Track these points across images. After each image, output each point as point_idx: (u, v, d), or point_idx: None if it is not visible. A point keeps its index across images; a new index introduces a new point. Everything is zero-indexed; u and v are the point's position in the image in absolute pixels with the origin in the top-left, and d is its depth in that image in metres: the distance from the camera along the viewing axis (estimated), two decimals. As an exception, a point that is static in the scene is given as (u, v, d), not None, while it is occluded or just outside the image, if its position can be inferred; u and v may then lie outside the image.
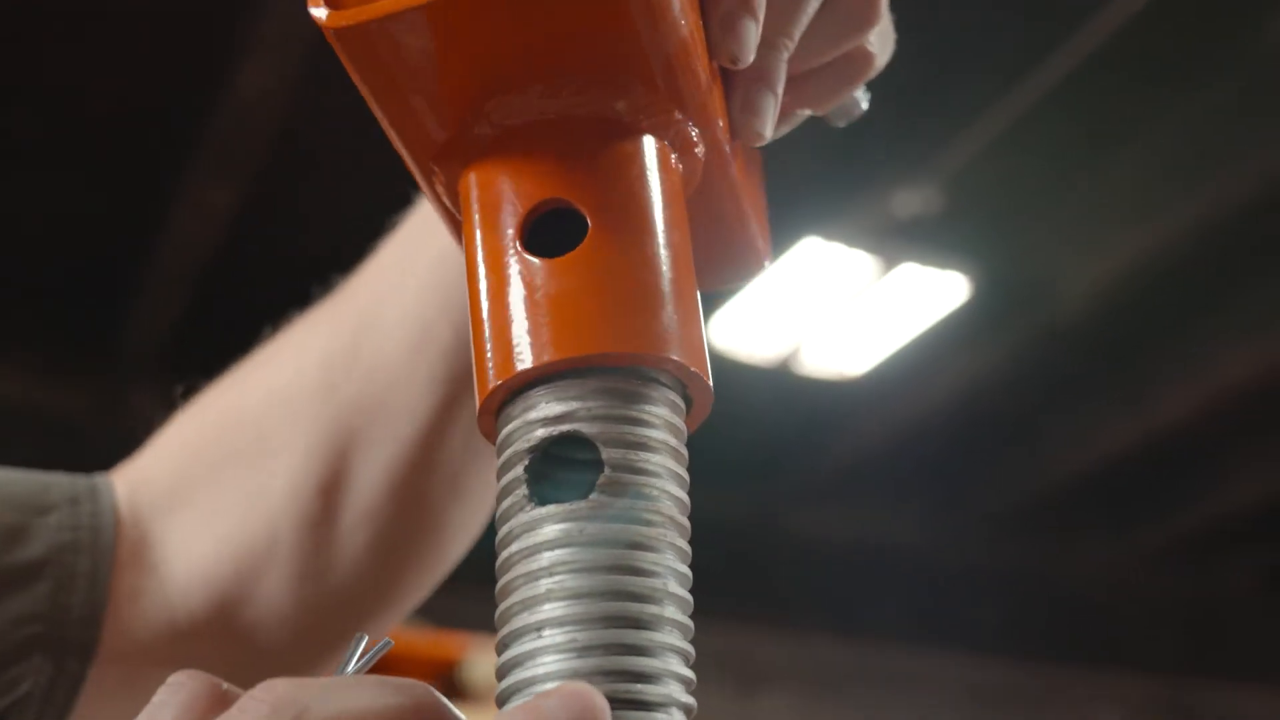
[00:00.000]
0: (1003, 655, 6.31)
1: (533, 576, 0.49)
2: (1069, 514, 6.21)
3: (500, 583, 0.51)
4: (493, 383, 0.51)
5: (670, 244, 0.53)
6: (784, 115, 0.63)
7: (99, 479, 0.85)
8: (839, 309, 4.88)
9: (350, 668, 0.52)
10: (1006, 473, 5.93)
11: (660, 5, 0.51)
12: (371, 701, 0.46)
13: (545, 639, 0.49)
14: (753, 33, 0.56)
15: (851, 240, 4.45)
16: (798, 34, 0.59)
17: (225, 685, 0.48)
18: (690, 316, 0.52)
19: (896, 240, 4.43)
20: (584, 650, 0.48)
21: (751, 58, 0.56)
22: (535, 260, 0.51)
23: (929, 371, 5.23)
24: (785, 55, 0.58)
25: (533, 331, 0.50)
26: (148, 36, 3.74)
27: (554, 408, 0.50)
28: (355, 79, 0.53)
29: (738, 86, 0.58)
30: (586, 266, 0.51)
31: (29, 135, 4.08)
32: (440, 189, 0.56)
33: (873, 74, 0.65)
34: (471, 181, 0.54)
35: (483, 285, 0.52)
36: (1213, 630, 6.65)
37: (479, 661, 5.10)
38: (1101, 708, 6.41)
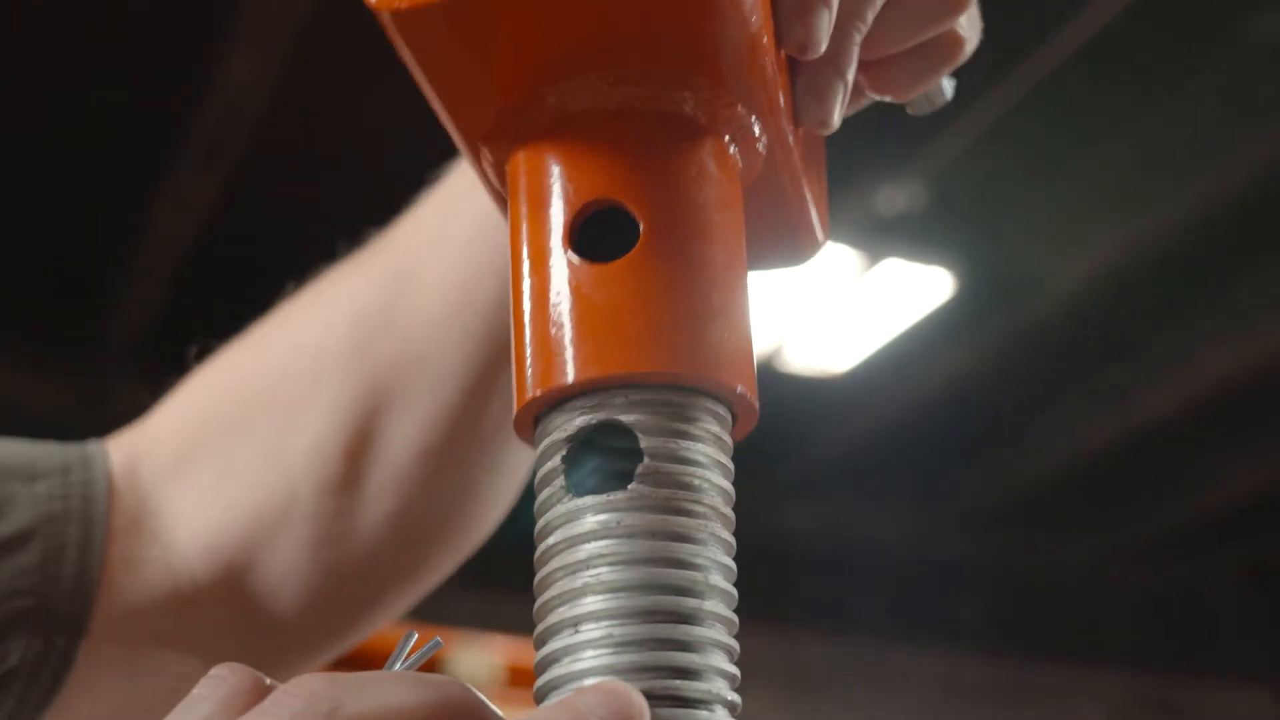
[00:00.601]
0: (984, 651, 6.31)
1: (571, 570, 0.48)
2: (1051, 510, 6.21)
3: (538, 576, 0.49)
4: (531, 392, 0.49)
5: (725, 254, 0.50)
6: (855, 99, 0.60)
7: (92, 446, 0.82)
8: (823, 305, 4.88)
9: (398, 666, 0.51)
10: (989, 469, 5.93)
11: None
12: (406, 698, 0.44)
13: (583, 634, 0.47)
14: (825, 22, 0.53)
15: (835, 236, 4.43)
16: (871, 16, 0.55)
17: (268, 680, 0.46)
18: (740, 332, 0.50)
19: (880, 236, 4.42)
20: (622, 645, 0.46)
21: (823, 49, 0.53)
22: (583, 264, 0.49)
23: (913, 367, 5.23)
24: (857, 39, 0.55)
25: (576, 342, 0.48)
26: (129, 29, 3.72)
27: (595, 416, 0.48)
28: (406, 60, 0.51)
29: (804, 71, 0.55)
30: (636, 276, 0.49)
31: (7, 128, 4.06)
32: (488, 167, 0.54)
33: (962, 60, 0.61)
34: (521, 165, 0.52)
35: (526, 284, 0.50)
36: (1194, 626, 6.67)
37: (461, 659, 5.10)
38: (1082, 704, 6.42)
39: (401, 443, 0.78)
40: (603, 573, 0.47)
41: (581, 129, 0.51)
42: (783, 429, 5.41)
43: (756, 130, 0.53)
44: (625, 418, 0.48)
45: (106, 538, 0.78)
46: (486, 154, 0.53)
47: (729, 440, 0.50)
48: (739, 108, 0.52)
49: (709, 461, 0.49)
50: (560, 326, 0.49)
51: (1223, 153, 4.19)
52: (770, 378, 5.23)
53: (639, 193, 0.50)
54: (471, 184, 0.73)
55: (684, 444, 0.49)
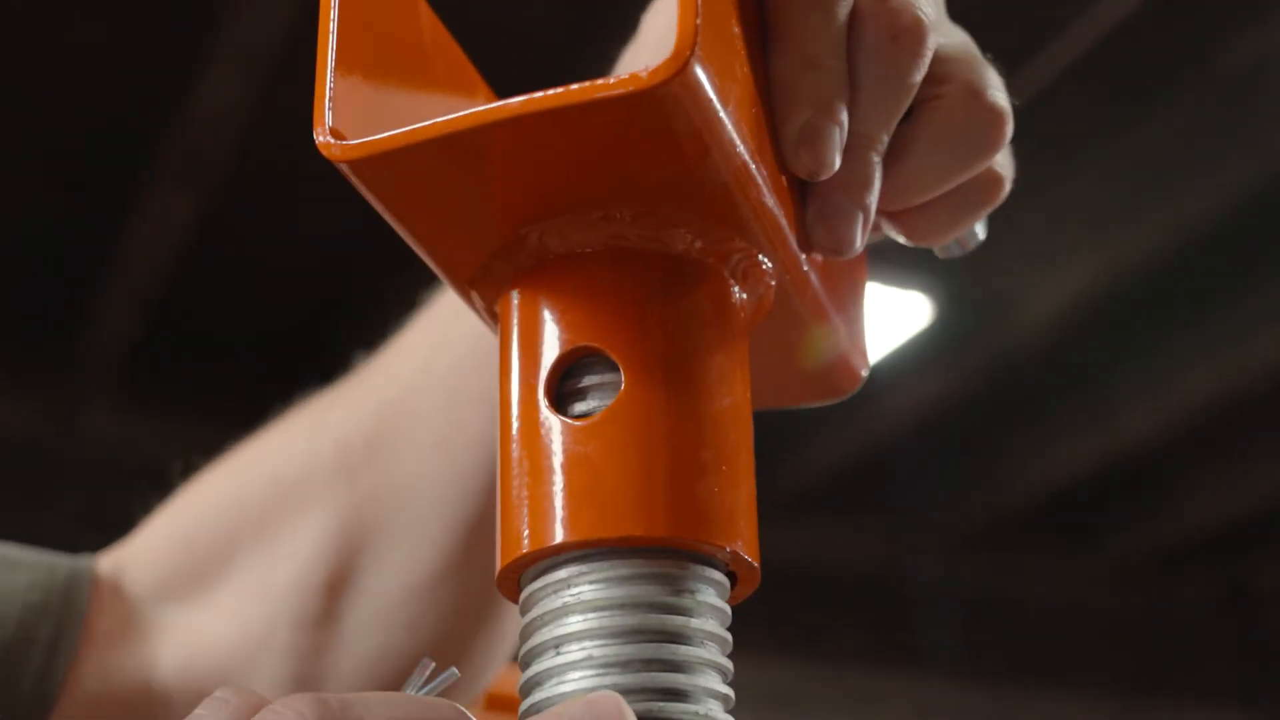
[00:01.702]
0: (959, 675, 6.31)
1: (553, 589, 0.46)
2: (1026, 533, 6.22)
3: (522, 596, 0.47)
4: (509, 554, 0.46)
5: (720, 402, 0.47)
6: (877, 231, 0.55)
7: (82, 556, 0.80)
8: (800, 329, 4.87)
9: (412, 691, 0.48)
10: (965, 492, 5.94)
11: (712, 130, 0.44)
12: (398, 717, 0.42)
13: (564, 656, 0.45)
14: (834, 144, 0.48)
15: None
16: (886, 135, 0.50)
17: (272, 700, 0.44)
18: (735, 489, 0.47)
19: (859, 260, 4.43)
20: (606, 667, 0.44)
21: (833, 171, 0.49)
22: (560, 419, 0.46)
23: (891, 392, 5.23)
24: (875, 160, 0.50)
25: (551, 504, 0.45)
26: (107, 48, 3.71)
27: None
28: (375, 205, 0.48)
29: (815, 195, 0.51)
30: (617, 430, 0.45)
31: (-15, 147, 4.05)
32: (479, 308, 0.51)
33: (1001, 200, 0.57)
34: (507, 308, 0.48)
35: (507, 436, 0.47)
36: (1169, 649, 6.67)
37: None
38: (1056, 727, 6.42)
39: (385, 579, 0.75)
40: (584, 591, 0.45)
41: (566, 271, 0.47)
42: (758, 454, 5.39)
43: (762, 262, 0.49)
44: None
45: (82, 639, 0.76)
46: (475, 296, 0.51)
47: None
48: (737, 242, 0.48)
49: None
50: (536, 484, 0.46)
51: (1199, 178, 4.20)
52: (747, 402, 5.21)
53: (621, 339, 0.46)
54: (459, 309, 0.70)
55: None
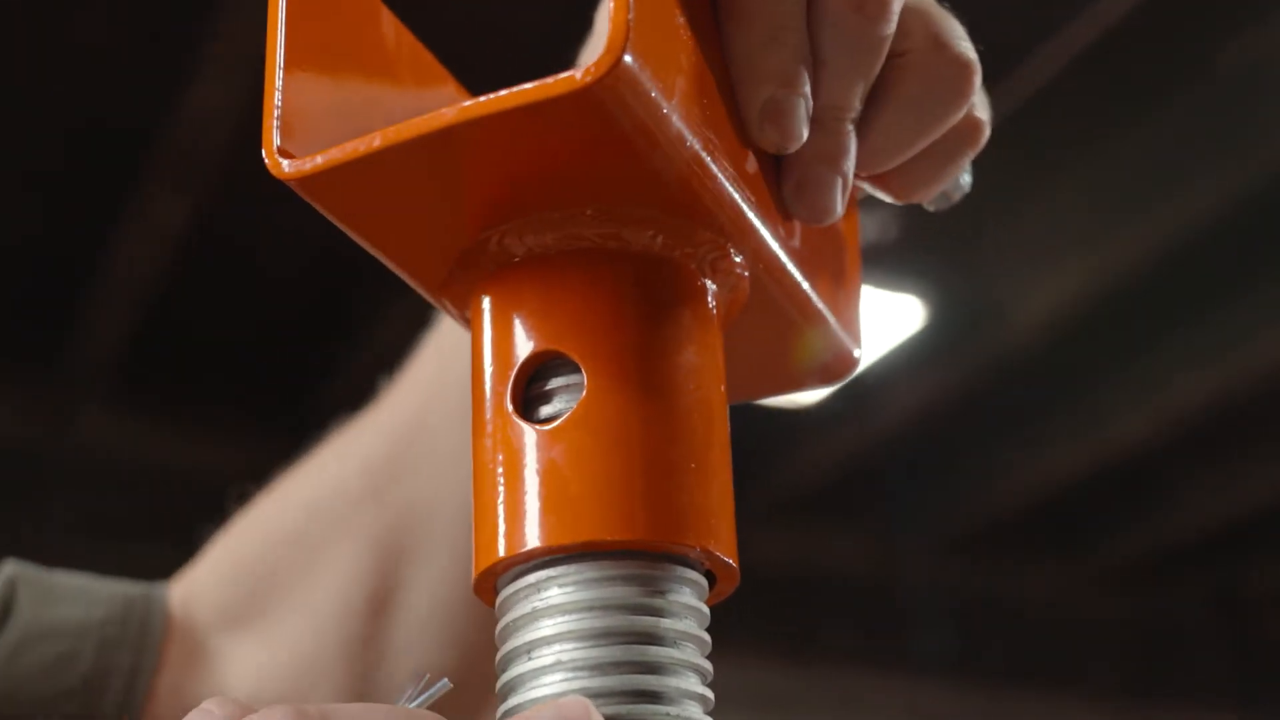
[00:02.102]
0: (952, 678, 6.31)
1: (526, 593, 0.46)
2: (1020, 538, 6.22)
3: (497, 601, 0.47)
4: (482, 561, 0.46)
5: (688, 400, 0.46)
6: (858, 191, 0.54)
7: (156, 585, 0.82)
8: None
9: (403, 703, 0.48)
10: (958, 496, 5.94)
11: (657, 123, 0.43)
12: None
13: (536, 660, 0.44)
14: (799, 117, 0.47)
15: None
16: (858, 99, 0.49)
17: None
18: (706, 487, 0.46)
19: (851, 264, 4.42)
20: (577, 670, 0.44)
21: (800, 142, 0.48)
22: (526, 425, 0.46)
23: (884, 396, 5.23)
24: (848, 128, 0.49)
25: (520, 510, 0.45)
26: (99, 50, 3.71)
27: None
28: (333, 221, 0.48)
29: (790, 167, 0.50)
30: (580, 434, 0.45)
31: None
32: (454, 315, 0.51)
33: (983, 144, 0.55)
34: (478, 311, 0.48)
35: (478, 443, 0.47)
36: (1164, 653, 6.67)
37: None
38: (1051, 731, 6.42)
39: (422, 595, 0.76)
40: (553, 595, 0.45)
41: (529, 274, 0.47)
42: (752, 457, 5.41)
43: (732, 254, 0.49)
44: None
45: (157, 668, 0.78)
46: (448, 304, 0.51)
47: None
48: (702, 234, 0.47)
49: None
50: (504, 492, 0.46)
51: (1193, 181, 4.20)
52: (741, 406, 5.20)
53: (582, 341, 0.46)
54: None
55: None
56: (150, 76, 3.73)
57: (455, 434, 0.75)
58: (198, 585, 0.83)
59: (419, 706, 0.48)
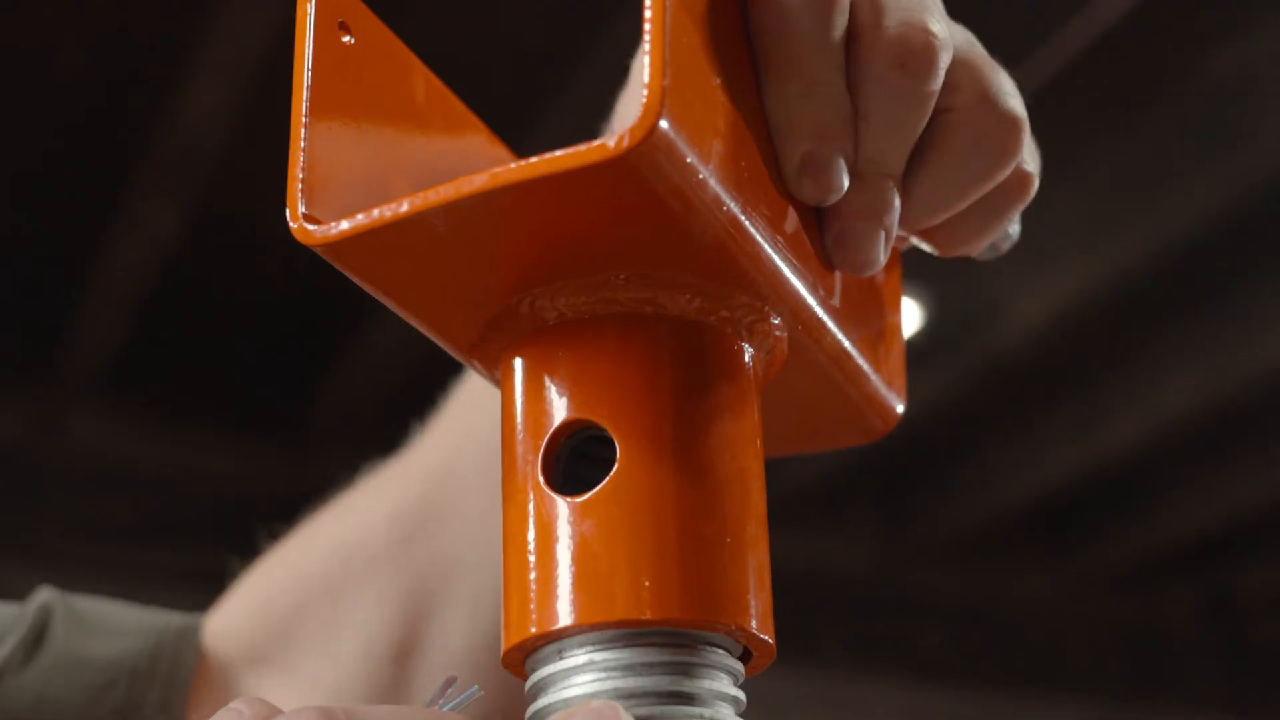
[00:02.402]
0: (948, 682, 6.31)
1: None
2: (1014, 540, 6.22)
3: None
4: (512, 637, 0.45)
5: (723, 472, 0.45)
6: (903, 242, 0.53)
7: (193, 616, 0.82)
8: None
9: (432, 705, 0.47)
10: (953, 499, 5.93)
11: (693, 187, 0.42)
12: None
13: (567, 660, 0.44)
14: (837, 171, 0.46)
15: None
16: (900, 157, 0.48)
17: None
18: (740, 563, 0.44)
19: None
20: (612, 670, 0.43)
21: (840, 194, 0.47)
22: (556, 497, 0.44)
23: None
24: (891, 184, 0.48)
25: (549, 586, 0.44)
26: (89, 52, 3.70)
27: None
28: (360, 285, 0.47)
29: (833, 219, 0.49)
30: (612, 508, 0.43)
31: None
32: (485, 376, 0.50)
33: (1031, 197, 0.54)
34: (509, 375, 0.47)
35: (508, 512, 0.46)
36: (1158, 656, 6.67)
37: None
38: (1045, 734, 6.42)
39: (449, 644, 0.76)
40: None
41: (562, 339, 0.45)
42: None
43: (770, 316, 0.47)
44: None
45: (186, 704, 0.78)
46: (477, 364, 0.49)
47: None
48: (739, 297, 0.46)
49: None
50: (535, 566, 0.44)
51: (1187, 186, 4.20)
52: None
53: (614, 411, 0.44)
54: None
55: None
56: (142, 80, 3.72)
57: (484, 484, 0.73)
58: (226, 621, 0.83)
59: (448, 710, 0.47)
